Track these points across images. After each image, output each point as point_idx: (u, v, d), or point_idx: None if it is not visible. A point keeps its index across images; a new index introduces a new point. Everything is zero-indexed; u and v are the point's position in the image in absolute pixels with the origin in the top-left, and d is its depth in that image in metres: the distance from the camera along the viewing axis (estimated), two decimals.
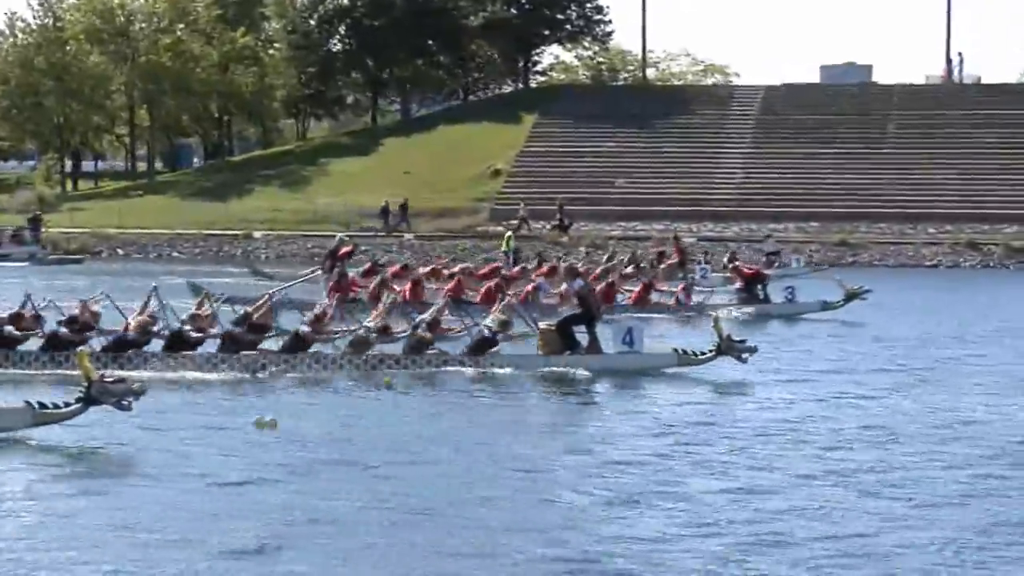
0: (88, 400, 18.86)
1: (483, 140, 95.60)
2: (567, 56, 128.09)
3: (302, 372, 26.16)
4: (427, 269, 47.11)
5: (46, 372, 25.29)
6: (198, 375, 25.57)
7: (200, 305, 28.83)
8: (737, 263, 51.50)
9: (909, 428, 21.09)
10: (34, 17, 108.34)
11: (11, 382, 24.30)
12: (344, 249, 46.43)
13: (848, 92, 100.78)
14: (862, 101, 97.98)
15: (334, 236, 54.81)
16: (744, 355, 26.86)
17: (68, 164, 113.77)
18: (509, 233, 67.13)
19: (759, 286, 43.36)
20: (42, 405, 18.96)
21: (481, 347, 27.29)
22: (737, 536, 14.40)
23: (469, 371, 26.50)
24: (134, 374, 23.54)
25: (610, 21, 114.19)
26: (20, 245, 71.90)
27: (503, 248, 64.03)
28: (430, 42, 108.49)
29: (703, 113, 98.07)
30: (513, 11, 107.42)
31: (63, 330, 26.52)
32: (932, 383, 26.49)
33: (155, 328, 26.97)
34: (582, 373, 26.60)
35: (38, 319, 27.48)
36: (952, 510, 15.70)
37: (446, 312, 29.45)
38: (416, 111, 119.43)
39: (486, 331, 27.58)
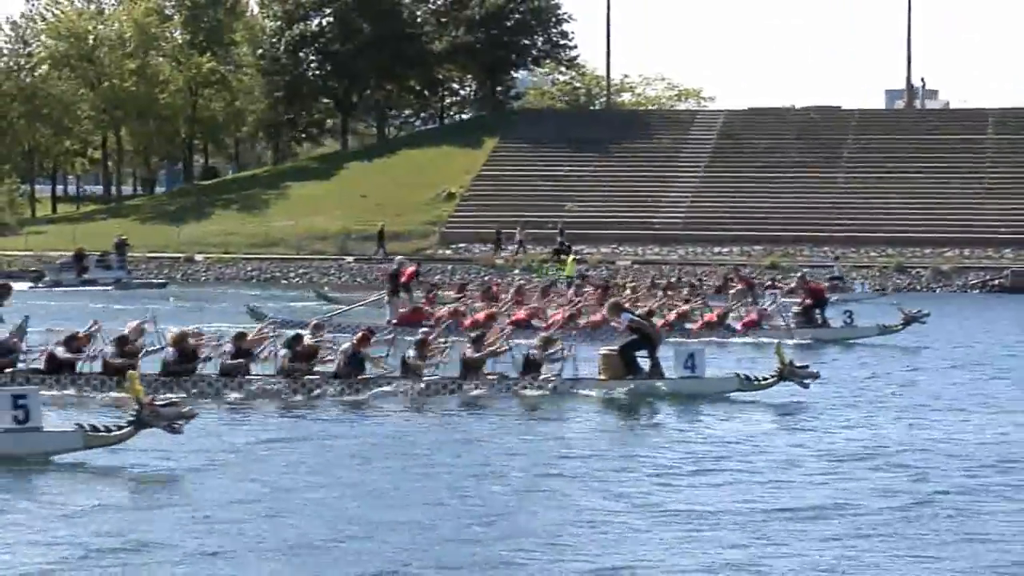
0: (139, 423, 18.81)
1: (443, 164, 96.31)
2: (544, 81, 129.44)
3: (354, 395, 26.12)
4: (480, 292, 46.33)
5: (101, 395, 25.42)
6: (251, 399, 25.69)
7: (259, 331, 28.79)
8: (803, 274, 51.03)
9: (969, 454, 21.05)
10: (4, 42, 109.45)
11: (69, 405, 24.32)
12: (408, 270, 45.48)
13: (807, 117, 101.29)
14: (820, 126, 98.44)
15: (279, 258, 54.73)
16: (806, 380, 26.88)
17: (40, 188, 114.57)
18: (573, 257, 67.43)
19: (817, 310, 42.96)
20: (94, 428, 18.93)
21: (527, 370, 27.33)
22: (786, 557, 14.40)
23: (527, 393, 26.60)
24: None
25: (575, 46, 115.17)
26: (107, 270, 71.95)
27: (566, 273, 63.93)
28: (398, 67, 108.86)
29: (662, 137, 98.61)
30: (480, 36, 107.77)
31: (111, 352, 26.48)
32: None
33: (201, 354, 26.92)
34: (641, 397, 26.81)
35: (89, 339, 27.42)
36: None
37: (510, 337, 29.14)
38: (395, 135, 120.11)
39: (531, 353, 27.62)
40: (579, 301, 42.98)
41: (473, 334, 28.91)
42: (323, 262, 78.11)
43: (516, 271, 72.24)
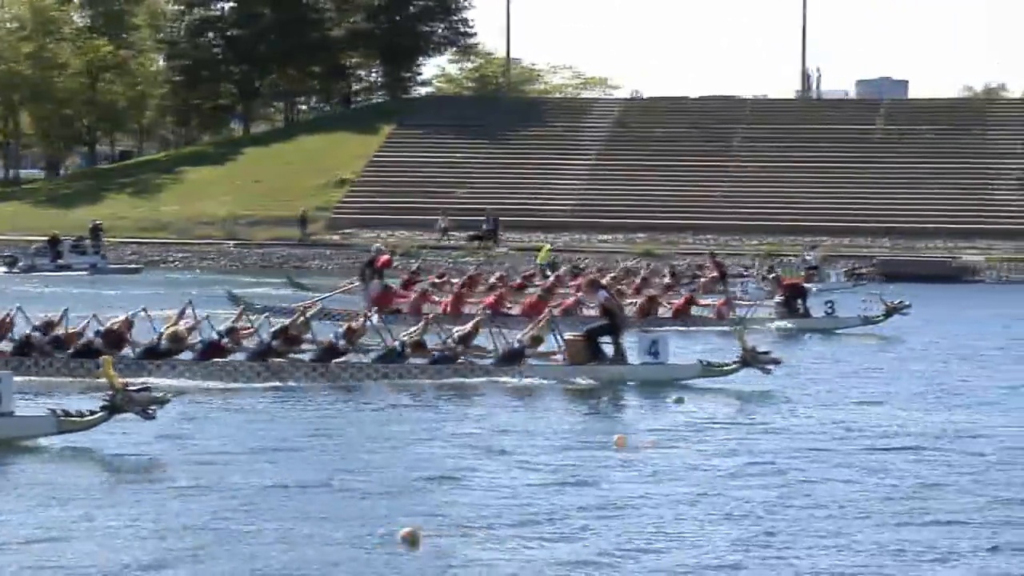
0: (112, 408, 18.71)
1: (339, 150, 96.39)
2: (451, 68, 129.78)
3: (331, 381, 26.23)
4: (462, 279, 45.81)
5: (74, 380, 25.37)
6: (231, 384, 25.70)
7: (239, 317, 28.82)
8: (777, 274, 51.32)
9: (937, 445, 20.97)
10: None
11: (39, 389, 24.09)
12: (383, 258, 45.21)
13: (702, 105, 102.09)
14: (715, 115, 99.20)
15: (160, 242, 54.55)
16: (768, 366, 26.76)
17: None
18: (547, 246, 67.64)
19: (799, 300, 42.78)
20: (66, 413, 18.76)
21: (509, 359, 27.32)
22: (733, 544, 14.38)
23: (495, 380, 26.65)
24: (163, 382, 23.76)
25: (475, 33, 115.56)
26: (81, 255, 71.40)
27: (539, 260, 64.20)
28: (299, 53, 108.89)
29: (558, 125, 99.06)
30: (381, 22, 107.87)
31: (98, 340, 26.53)
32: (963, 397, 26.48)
33: (189, 340, 27.01)
34: (605, 382, 26.82)
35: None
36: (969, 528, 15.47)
37: (481, 328, 28.69)
38: (298, 121, 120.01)
39: (516, 344, 27.58)
40: (553, 286, 43.31)
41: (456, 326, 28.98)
42: (204, 247, 78.16)
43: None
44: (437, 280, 46.97)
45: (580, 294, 39.74)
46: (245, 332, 27.66)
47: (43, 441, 18.89)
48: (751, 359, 26.68)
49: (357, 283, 44.28)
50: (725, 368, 27.02)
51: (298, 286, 51.19)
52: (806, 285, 46.01)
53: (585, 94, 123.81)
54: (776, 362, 26.93)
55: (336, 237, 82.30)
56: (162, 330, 27.04)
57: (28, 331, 27.08)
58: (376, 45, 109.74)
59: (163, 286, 55.72)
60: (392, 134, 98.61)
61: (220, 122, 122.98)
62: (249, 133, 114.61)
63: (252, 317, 29.05)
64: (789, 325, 40.96)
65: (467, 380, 26.53)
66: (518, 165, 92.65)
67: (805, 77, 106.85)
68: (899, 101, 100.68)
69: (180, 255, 77.16)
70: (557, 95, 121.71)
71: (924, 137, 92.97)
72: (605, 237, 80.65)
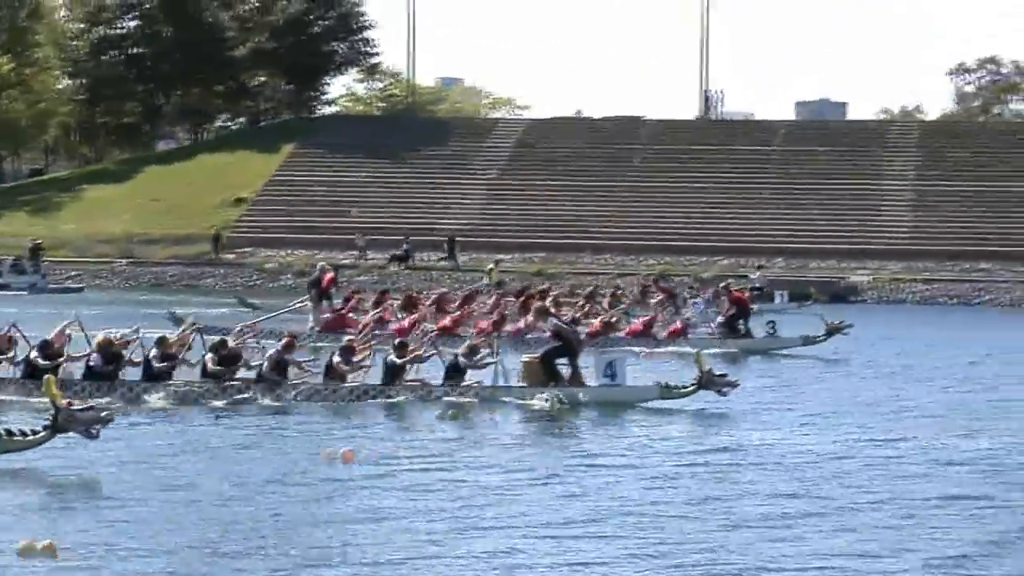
0: (55, 427, 18.46)
1: (240, 169, 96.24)
2: (359, 88, 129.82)
3: (276, 400, 26.22)
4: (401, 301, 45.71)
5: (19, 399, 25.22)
6: (177, 404, 25.67)
7: (183, 334, 28.81)
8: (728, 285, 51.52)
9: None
10: None
11: None
12: (327, 277, 45.54)
13: (604, 125, 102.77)
14: (616, 135, 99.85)
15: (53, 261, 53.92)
16: (725, 389, 26.90)
17: None
18: (491, 266, 67.57)
19: (740, 320, 43.31)
20: (9, 432, 18.52)
21: (450, 375, 27.48)
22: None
23: (448, 399, 26.69)
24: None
25: (378, 53, 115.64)
26: (20, 275, 70.61)
27: (485, 281, 63.88)
28: (202, 72, 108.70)
29: (460, 145, 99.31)
30: (285, 41, 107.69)
31: (35, 355, 26.40)
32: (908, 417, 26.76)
33: (133, 358, 27.00)
34: (564, 404, 26.79)
35: (11, 343, 27.37)
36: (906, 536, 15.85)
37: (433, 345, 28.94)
38: (202, 140, 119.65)
39: (458, 360, 27.70)
40: (502, 308, 43.49)
41: (396, 341, 29.07)
42: (96, 265, 77.91)
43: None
44: (376, 302, 46.73)
45: (529, 322, 39.93)
46: (184, 350, 27.62)
47: None
48: (708, 381, 26.82)
49: (308, 303, 44.46)
50: (683, 390, 27.10)
51: (249, 306, 51.21)
52: (751, 306, 46.03)
53: (492, 114, 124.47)
54: (733, 384, 27.10)
55: (231, 256, 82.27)
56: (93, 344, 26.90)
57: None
58: (280, 64, 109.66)
59: (104, 305, 55.56)
60: (293, 153, 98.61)
61: (131, 140, 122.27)
62: (153, 151, 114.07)
63: (191, 337, 28.94)
64: (731, 346, 41.16)
65: (409, 397, 26.65)
66: (418, 185, 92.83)
67: (705, 99, 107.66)
68: (797, 123, 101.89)
69: (74, 273, 76.78)
70: (463, 115, 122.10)
71: (820, 159, 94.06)
72: (501, 256, 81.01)
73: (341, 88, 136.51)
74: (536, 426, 25.17)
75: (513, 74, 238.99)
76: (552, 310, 32.55)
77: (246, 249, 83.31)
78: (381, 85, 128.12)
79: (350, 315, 41.85)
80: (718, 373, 27.15)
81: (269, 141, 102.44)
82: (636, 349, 38.98)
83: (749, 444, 22.61)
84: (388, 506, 16.95)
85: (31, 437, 18.53)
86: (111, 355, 26.53)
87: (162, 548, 14.47)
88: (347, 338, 29.88)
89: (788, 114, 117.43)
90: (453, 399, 26.67)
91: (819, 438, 23.51)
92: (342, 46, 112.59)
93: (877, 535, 15.81)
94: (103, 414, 18.80)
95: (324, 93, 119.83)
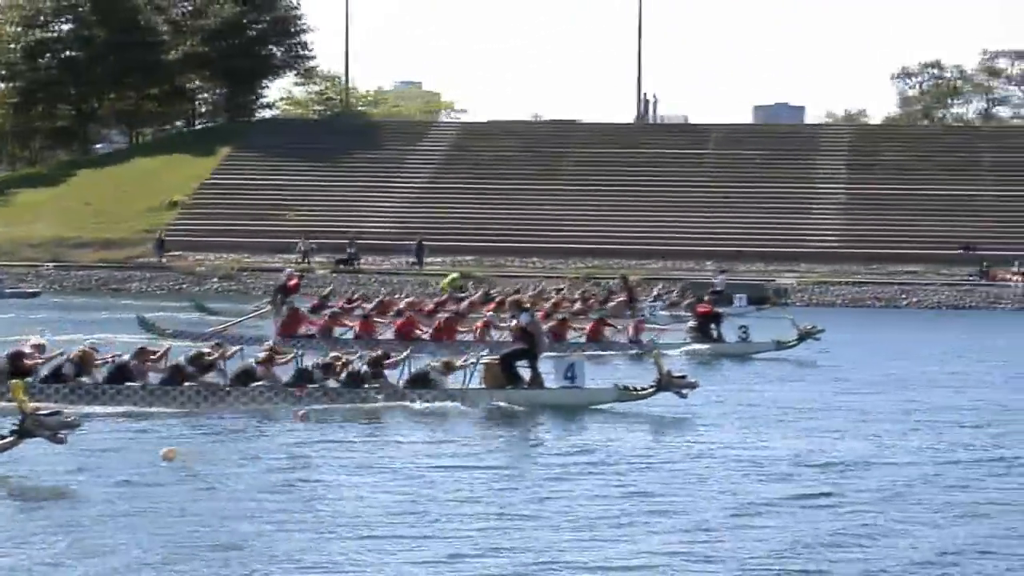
0: (22, 433, 18.34)
1: (174, 173, 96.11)
2: (299, 91, 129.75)
3: (246, 405, 26.04)
4: (373, 304, 46.56)
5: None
6: (140, 408, 25.50)
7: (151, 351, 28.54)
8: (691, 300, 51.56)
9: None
10: None
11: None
12: (292, 282, 45.73)
13: (538, 129, 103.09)
14: (548, 138, 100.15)
15: None
16: (684, 390, 26.65)
17: None
18: (455, 274, 67.66)
19: (712, 325, 42.93)
20: None
21: (418, 381, 27.26)
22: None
23: (412, 405, 26.41)
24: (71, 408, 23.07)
25: (314, 56, 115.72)
26: None
27: (444, 286, 63.87)
28: (136, 75, 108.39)
29: (394, 148, 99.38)
30: (219, 45, 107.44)
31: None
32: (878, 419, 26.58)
33: (97, 361, 26.84)
34: (522, 407, 26.68)
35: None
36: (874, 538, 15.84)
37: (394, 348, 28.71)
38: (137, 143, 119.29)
39: (428, 367, 27.64)
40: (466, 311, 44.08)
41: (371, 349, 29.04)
42: (22, 269, 77.66)
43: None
44: (346, 305, 47.16)
45: (490, 314, 40.81)
46: (154, 356, 27.51)
47: None
48: (668, 383, 26.61)
49: (269, 308, 44.69)
50: (641, 392, 26.93)
51: (206, 311, 51.12)
52: (719, 310, 45.88)
53: (432, 118, 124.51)
54: (692, 386, 26.91)
55: (164, 259, 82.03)
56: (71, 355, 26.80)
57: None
58: (215, 68, 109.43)
59: (60, 310, 55.81)
60: (228, 157, 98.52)
61: (66, 144, 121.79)
62: (88, 155, 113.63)
63: (163, 343, 28.82)
64: (703, 349, 41.18)
65: (377, 405, 26.43)
66: (351, 188, 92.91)
67: (642, 103, 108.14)
68: (729, 125, 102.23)
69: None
70: (399, 118, 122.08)
71: (753, 163, 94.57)
72: (430, 259, 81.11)
73: (280, 91, 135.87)
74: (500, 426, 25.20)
75: (467, 78, 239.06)
76: (527, 306, 32.31)
77: (177, 253, 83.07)
78: (319, 88, 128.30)
79: (310, 316, 42.09)
80: (677, 375, 27.02)
81: (204, 145, 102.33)
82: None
83: (704, 446, 22.68)
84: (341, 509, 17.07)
85: None
86: (86, 366, 26.51)
87: (130, 550, 14.59)
88: (333, 354, 29.08)
89: (747, 118, 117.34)
90: (416, 405, 26.44)
91: (775, 439, 23.49)
92: (278, 50, 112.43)
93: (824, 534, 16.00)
94: (70, 419, 18.66)
95: (262, 97, 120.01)
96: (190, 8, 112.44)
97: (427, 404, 26.51)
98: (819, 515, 17.09)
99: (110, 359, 27.13)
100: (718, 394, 29.76)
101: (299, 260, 79.94)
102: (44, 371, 26.43)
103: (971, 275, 78.59)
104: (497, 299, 49.91)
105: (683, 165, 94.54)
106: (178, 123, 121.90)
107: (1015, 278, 77.30)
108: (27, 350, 26.81)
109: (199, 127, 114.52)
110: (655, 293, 64.94)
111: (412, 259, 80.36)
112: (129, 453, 21.06)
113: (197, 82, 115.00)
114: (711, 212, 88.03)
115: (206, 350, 28.03)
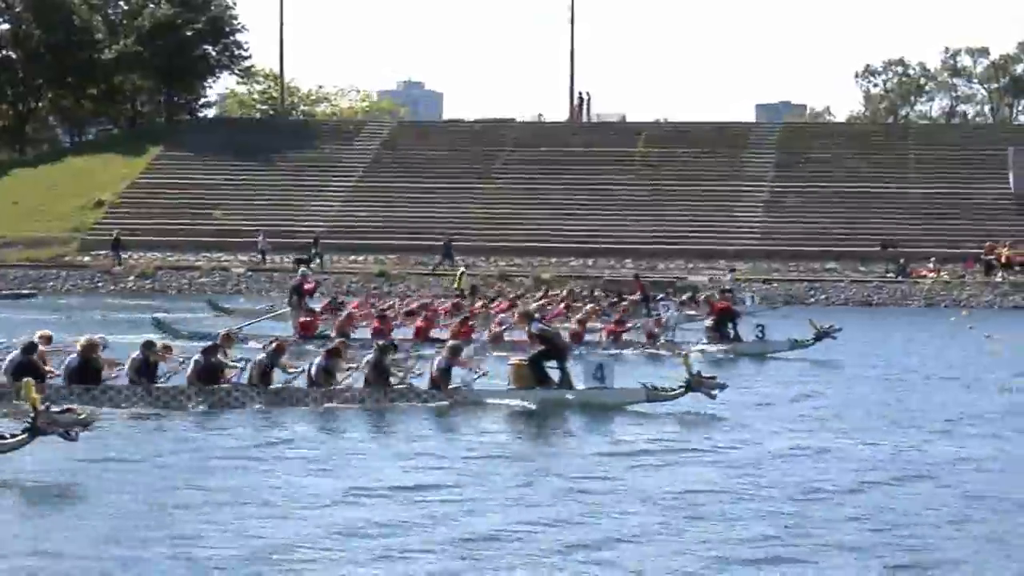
0: (34, 431, 18.40)
1: (104, 172, 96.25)
2: (242, 90, 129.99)
3: (265, 404, 26.13)
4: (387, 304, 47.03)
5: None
6: (160, 409, 25.60)
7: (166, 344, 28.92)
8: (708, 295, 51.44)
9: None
10: None
11: None
12: (308, 286, 46.15)
13: (472, 128, 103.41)
14: (481, 137, 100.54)
15: None
16: (714, 391, 26.72)
17: None
18: (463, 270, 67.62)
19: (729, 324, 42.91)
20: None
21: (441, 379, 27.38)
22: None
23: (438, 404, 26.59)
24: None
25: (250, 56, 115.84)
26: None
27: (456, 286, 63.65)
28: (71, 75, 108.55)
29: (326, 147, 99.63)
30: (154, 45, 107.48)
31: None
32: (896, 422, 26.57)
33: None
34: (552, 407, 26.84)
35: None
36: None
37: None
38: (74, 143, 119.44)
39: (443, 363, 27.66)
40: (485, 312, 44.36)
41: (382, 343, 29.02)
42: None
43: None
44: (328, 305, 47.37)
45: (502, 315, 41.01)
46: (171, 357, 27.62)
47: None
48: (697, 384, 26.68)
49: (287, 309, 45.10)
50: (671, 393, 26.96)
51: (221, 311, 51.33)
52: (737, 310, 45.83)
53: (370, 117, 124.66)
54: (722, 387, 26.96)
55: (87, 259, 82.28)
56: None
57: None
58: (150, 67, 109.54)
59: (58, 311, 55.92)
60: (159, 156, 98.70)
61: (3, 144, 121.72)
62: (23, 154, 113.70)
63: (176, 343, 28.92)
64: (720, 349, 41.21)
65: (400, 404, 26.56)
66: (281, 187, 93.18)
67: (576, 101, 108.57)
68: (662, 125, 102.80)
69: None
70: (332, 119, 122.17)
71: (682, 161, 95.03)
72: (355, 258, 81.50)
73: (224, 91, 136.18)
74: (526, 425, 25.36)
75: (394, 75, 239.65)
76: (536, 315, 32.24)
77: (101, 252, 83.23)
78: (261, 87, 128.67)
79: (324, 317, 42.49)
80: (706, 375, 27.16)
81: (137, 144, 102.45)
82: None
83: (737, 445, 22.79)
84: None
85: (9, 440, 18.62)
86: (92, 362, 26.58)
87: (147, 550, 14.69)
88: (338, 340, 29.56)
89: (749, 116, 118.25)
90: (441, 404, 26.62)
91: (804, 439, 23.71)
92: (213, 49, 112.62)
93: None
94: (82, 417, 18.72)
95: (202, 96, 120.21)
96: (125, 8, 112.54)
97: (447, 403, 26.70)
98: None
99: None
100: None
101: (259, 259, 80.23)
102: (64, 371, 26.46)
103: (889, 272, 79.27)
104: (508, 300, 49.82)
105: (612, 163, 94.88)
106: (122, 123, 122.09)
107: (931, 274, 77.99)
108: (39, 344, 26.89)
109: (134, 126, 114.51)
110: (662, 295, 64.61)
111: (439, 257, 79.94)
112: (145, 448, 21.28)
113: (136, 82, 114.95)
114: (636, 210, 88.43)
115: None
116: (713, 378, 27.14)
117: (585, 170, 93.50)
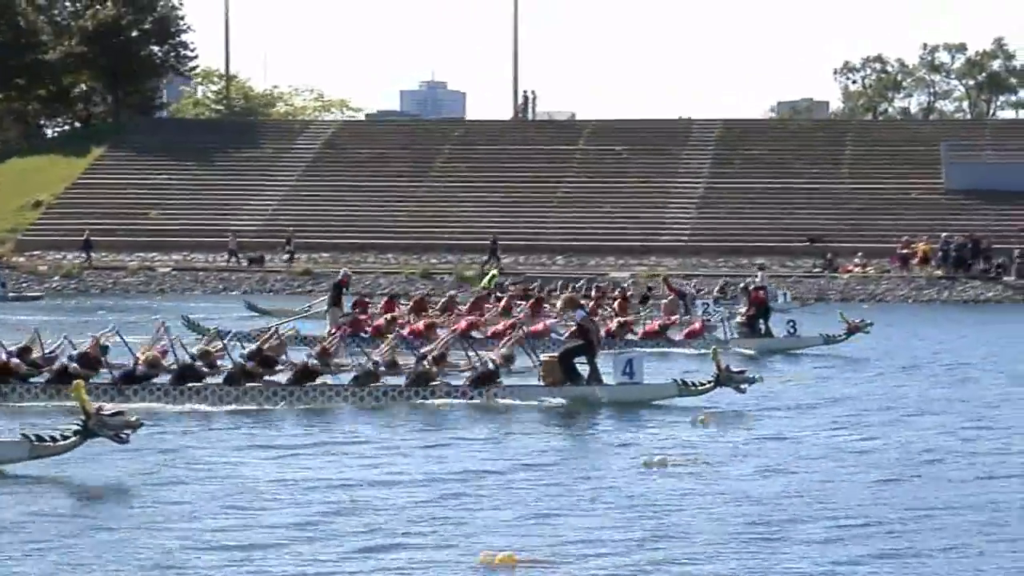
0: (85, 433, 18.55)
1: (46, 173, 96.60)
2: (195, 91, 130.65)
3: (309, 404, 26.33)
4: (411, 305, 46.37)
5: (52, 404, 25.28)
6: (206, 407, 25.84)
7: (210, 341, 29.14)
8: (746, 284, 51.63)
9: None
10: None
11: (15, 414, 24.35)
12: (343, 278, 46.86)
13: (416, 126, 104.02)
14: (424, 135, 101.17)
15: None
16: (743, 386, 26.88)
17: None
18: (494, 272, 67.86)
19: (761, 320, 43.07)
20: (39, 438, 18.68)
21: (484, 380, 27.41)
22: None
23: (470, 402, 26.79)
24: (141, 406, 23.87)
25: (196, 56, 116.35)
26: None
27: (484, 284, 63.95)
28: (16, 75, 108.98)
29: (270, 147, 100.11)
30: (100, 45, 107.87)
31: (73, 365, 26.39)
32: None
33: (165, 363, 27.14)
34: (581, 403, 26.97)
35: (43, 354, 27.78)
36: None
37: (451, 347, 29.03)
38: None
39: (490, 364, 27.79)
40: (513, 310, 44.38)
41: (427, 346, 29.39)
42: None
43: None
44: (385, 307, 46.73)
45: (551, 322, 40.41)
46: (217, 355, 27.83)
47: (17, 466, 18.89)
48: (726, 378, 26.86)
49: (325, 307, 45.32)
50: (701, 387, 27.22)
51: (257, 310, 52.02)
52: (771, 305, 45.93)
53: (327, 116, 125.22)
54: (751, 381, 27.10)
55: (21, 259, 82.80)
56: (138, 354, 27.14)
57: (4, 356, 27.04)
58: (96, 68, 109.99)
59: (66, 312, 56.08)
60: (100, 157, 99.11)
61: None
62: None
63: (224, 342, 28.88)
64: (750, 345, 41.28)
65: (437, 402, 26.76)
66: (222, 187, 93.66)
67: (521, 99, 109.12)
68: (603, 122, 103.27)
69: None
70: (282, 119, 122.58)
71: (619, 157, 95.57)
72: (298, 255, 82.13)
73: (179, 92, 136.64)
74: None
75: (347, 77, 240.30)
76: (582, 302, 32.70)
77: (36, 252, 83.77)
78: (215, 88, 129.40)
79: (365, 319, 42.49)
80: (736, 370, 27.41)
81: (81, 145, 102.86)
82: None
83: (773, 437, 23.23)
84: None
85: (61, 443, 18.75)
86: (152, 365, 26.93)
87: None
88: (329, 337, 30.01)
89: (770, 113, 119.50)
90: (476, 401, 26.91)
91: (839, 434, 23.93)
92: (160, 50, 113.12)
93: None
94: (132, 419, 18.88)
95: (151, 97, 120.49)
96: (71, 9, 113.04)
97: (484, 401, 26.96)
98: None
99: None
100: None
101: (228, 259, 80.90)
102: (115, 372, 26.78)
103: (816, 266, 79.99)
104: (533, 300, 49.14)
105: (552, 161, 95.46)
106: (76, 124, 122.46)
107: (857, 269, 78.74)
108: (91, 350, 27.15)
109: (78, 127, 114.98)
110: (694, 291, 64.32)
111: (486, 257, 79.84)
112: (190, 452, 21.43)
113: (84, 83, 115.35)
114: (572, 207, 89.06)
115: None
116: (742, 372, 27.49)
117: (524, 168, 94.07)
